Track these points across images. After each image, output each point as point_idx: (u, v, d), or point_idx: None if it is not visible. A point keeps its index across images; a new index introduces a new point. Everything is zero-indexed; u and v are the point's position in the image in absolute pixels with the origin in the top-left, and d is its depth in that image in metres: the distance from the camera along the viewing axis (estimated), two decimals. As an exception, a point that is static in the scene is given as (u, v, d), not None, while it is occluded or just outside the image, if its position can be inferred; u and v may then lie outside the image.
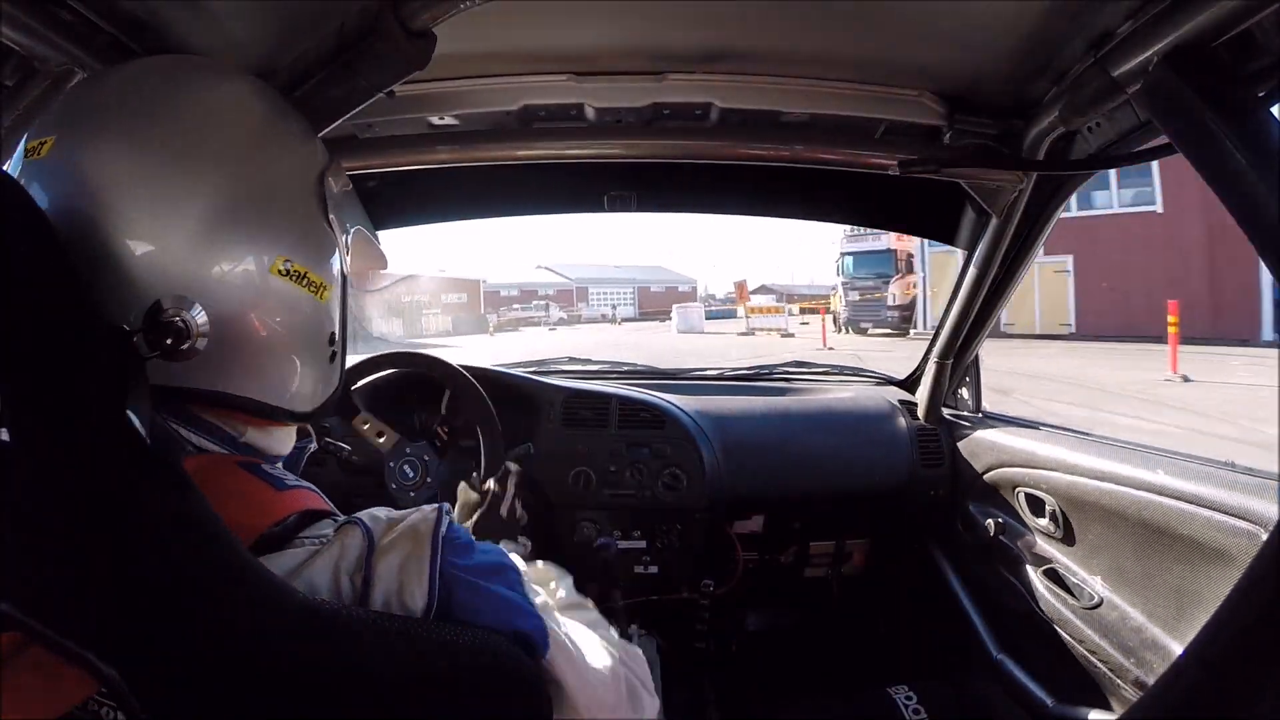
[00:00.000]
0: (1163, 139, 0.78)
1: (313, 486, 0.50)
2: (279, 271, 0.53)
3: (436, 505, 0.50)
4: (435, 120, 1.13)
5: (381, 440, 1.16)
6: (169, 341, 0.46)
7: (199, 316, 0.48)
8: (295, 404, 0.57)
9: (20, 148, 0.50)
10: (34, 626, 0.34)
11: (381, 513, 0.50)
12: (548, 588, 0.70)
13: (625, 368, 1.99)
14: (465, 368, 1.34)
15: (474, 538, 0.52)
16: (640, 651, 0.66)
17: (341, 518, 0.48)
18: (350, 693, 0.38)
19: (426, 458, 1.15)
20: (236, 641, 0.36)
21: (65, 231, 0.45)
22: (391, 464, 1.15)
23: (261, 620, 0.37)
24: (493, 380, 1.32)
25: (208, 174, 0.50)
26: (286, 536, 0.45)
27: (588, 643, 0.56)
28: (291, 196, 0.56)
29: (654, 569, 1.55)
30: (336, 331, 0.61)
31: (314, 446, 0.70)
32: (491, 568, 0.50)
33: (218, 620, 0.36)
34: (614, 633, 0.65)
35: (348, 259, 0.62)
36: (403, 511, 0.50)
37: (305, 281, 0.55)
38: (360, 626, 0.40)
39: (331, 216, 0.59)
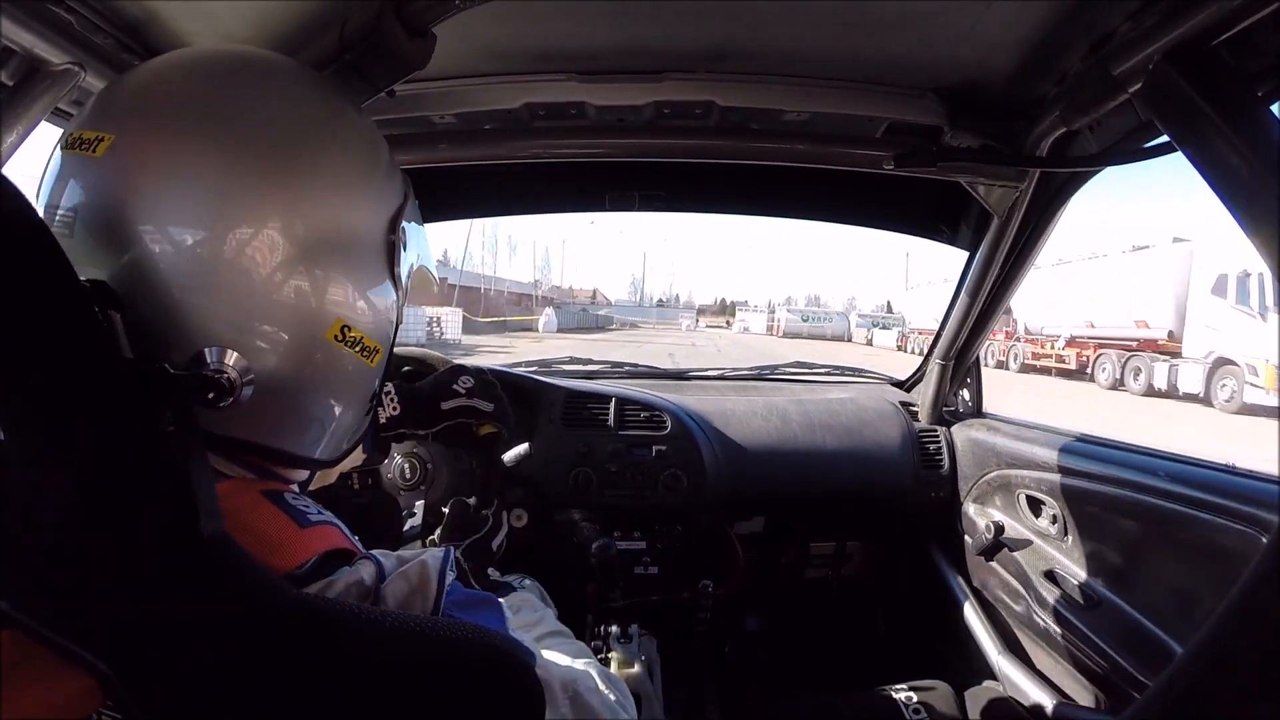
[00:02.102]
0: (1163, 138, 0.78)
1: (335, 520, 0.48)
2: (335, 337, 0.48)
3: (446, 549, 0.49)
4: (436, 119, 1.13)
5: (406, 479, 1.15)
6: (210, 395, 0.42)
7: (237, 366, 0.44)
8: (323, 454, 0.54)
9: (65, 135, 0.45)
10: (33, 625, 0.34)
11: (393, 553, 0.49)
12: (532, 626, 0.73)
13: (626, 368, 1.99)
14: (473, 368, 1.34)
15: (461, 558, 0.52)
16: (624, 684, 0.66)
17: (362, 554, 0.48)
18: (348, 685, 0.38)
19: (429, 465, 1.15)
20: (236, 641, 0.36)
21: (101, 243, 0.42)
22: (395, 458, 1.15)
23: (261, 619, 0.37)
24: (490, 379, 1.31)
25: (283, 213, 0.44)
26: (308, 580, 0.43)
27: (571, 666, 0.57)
28: (362, 248, 0.49)
29: (654, 569, 1.55)
30: (378, 390, 0.57)
31: None
32: (473, 605, 0.50)
33: (217, 619, 0.36)
34: (594, 670, 0.64)
35: (405, 305, 0.57)
36: (412, 552, 0.49)
37: (360, 348, 0.50)
38: (360, 624, 0.40)
39: (399, 270, 0.53)
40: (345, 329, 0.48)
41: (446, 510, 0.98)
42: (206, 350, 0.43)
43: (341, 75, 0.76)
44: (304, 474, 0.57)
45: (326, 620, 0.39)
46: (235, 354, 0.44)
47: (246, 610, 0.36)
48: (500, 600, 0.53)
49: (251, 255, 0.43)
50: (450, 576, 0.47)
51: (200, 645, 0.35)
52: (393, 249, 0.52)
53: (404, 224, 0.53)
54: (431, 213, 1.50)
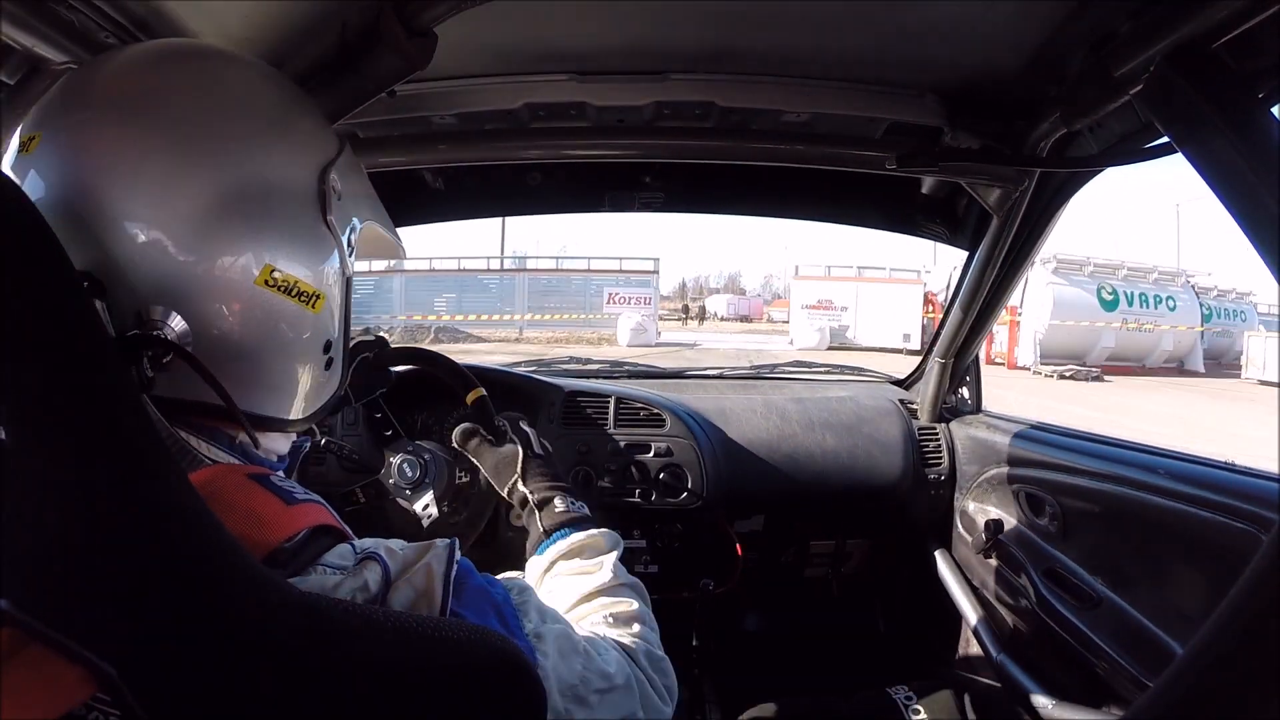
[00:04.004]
0: (1163, 139, 0.78)
1: (321, 500, 0.49)
2: (265, 283, 0.50)
3: (449, 543, 0.49)
4: (436, 119, 1.13)
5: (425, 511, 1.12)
6: (150, 354, 0.45)
7: (177, 326, 0.46)
8: (286, 412, 0.55)
9: (14, 142, 0.49)
10: (32, 624, 0.34)
11: (397, 546, 0.49)
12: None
13: (626, 367, 1.99)
14: (467, 367, 1.34)
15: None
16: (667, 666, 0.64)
17: (360, 543, 0.48)
18: (350, 686, 0.38)
19: (427, 458, 1.15)
20: (236, 640, 0.36)
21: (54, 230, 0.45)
22: (392, 462, 1.15)
23: (261, 618, 0.37)
24: (492, 379, 1.32)
25: (196, 169, 0.47)
26: (298, 553, 0.44)
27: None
28: (286, 197, 0.52)
29: (654, 569, 1.55)
30: (334, 338, 0.58)
31: (308, 445, 0.69)
32: (481, 609, 0.49)
33: (217, 618, 0.36)
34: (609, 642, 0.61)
35: (351, 260, 0.59)
36: (415, 545, 0.49)
37: (295, 293, 0.52)
38: (360, 623, 0.40)
39: (331, 218, 0.55)
40: (274, 272, 0.50)
41: (447, 508, 0.98)
42: (147, 309, 0.46)
43: (342, 75, 0.76)
44: (283, 445, 0.58)
45: (328, 620, 0.39)
46: (173, 313, 0.46)
47: (246, 608, 0.36)
48: (503, 590, 0.52)
49: (171, 217, 0.46)
50: (454, 572, 0.47)
51: (201, 645, 0.35)
52: (324, 198, 0.54)
53: (335, 176, 0.56)
54: (431, 213, 1.50)
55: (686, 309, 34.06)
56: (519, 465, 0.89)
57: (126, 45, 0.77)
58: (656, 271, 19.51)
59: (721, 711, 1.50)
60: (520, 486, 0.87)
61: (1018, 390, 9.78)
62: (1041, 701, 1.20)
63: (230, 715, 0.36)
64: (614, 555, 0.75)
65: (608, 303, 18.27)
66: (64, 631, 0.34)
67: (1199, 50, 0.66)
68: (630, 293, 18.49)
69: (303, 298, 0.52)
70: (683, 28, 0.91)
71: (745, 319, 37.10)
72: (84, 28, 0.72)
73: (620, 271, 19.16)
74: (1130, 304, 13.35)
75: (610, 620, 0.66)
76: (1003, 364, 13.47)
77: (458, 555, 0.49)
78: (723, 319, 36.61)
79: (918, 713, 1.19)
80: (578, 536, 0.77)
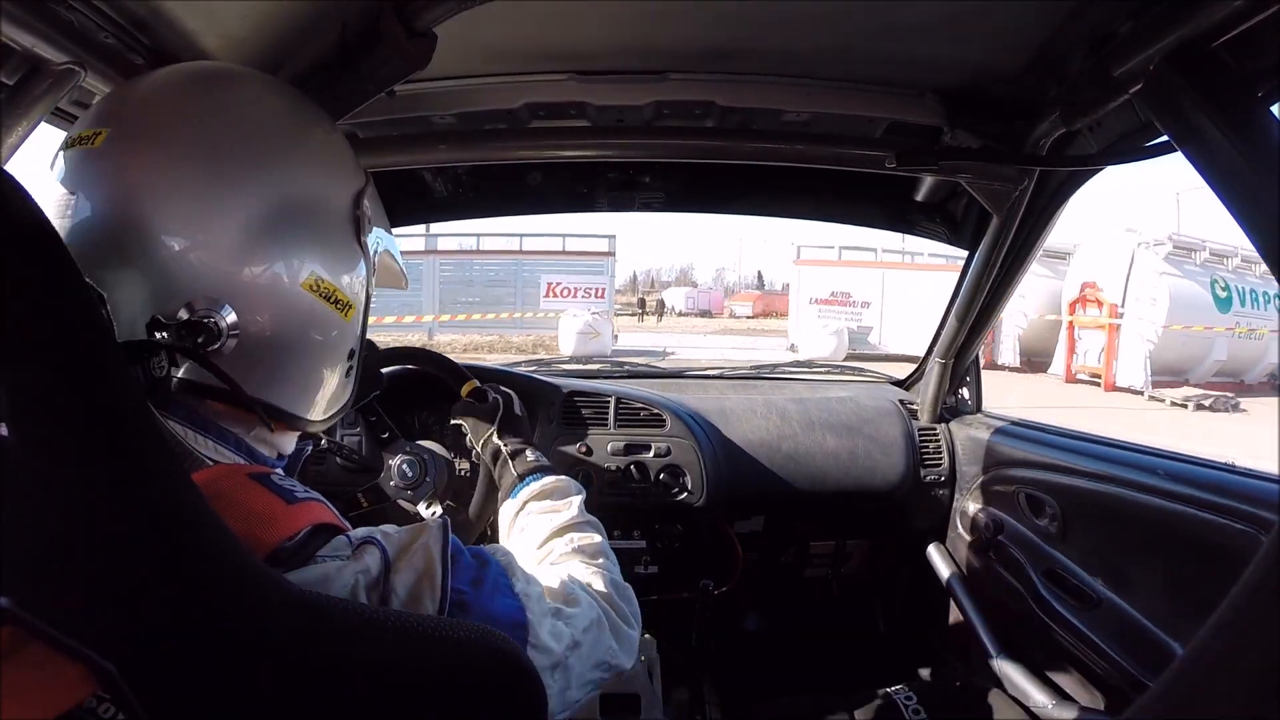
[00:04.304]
0: (1163, 138, 0.78)
1: (321, 498, 0.51)
2: (309, 287, 0.55)
3: (441, 522, 0.52)
4: (436, 119, 1.13)
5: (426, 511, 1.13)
6: (200, 340, 0.48)
7: (229, 318, 0.50)
8: (309, 412, 0.59)
9: (68, 136, 0.52)
10: (33, 622, 0.34)
11: (391, 530, 0.51)
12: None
13: (626, 367, 2.00)
14: (468, 365, 1.34)
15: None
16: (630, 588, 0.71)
17: (354, 533, 0.50)
18: (350, 685, 0.38)
19: (426, 458, 1.15)
20: (236, 638, 0.36)
21: (108, 221, 0.48)
22: (391, 464, 1.15)
23: (261, 617, 0.37)
24: (492, 379, 1.32)
25: (254, 182, 0.52)
26: (299, 552, 0.45)
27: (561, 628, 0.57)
28: (330, 215, 0.58)
29: (654, 569, 1.55)
30: (356, 348, 0.63)
31: (310, 449, 0.71)
32: (477, 577, 0.52)
33: (217, 617, 0.36)
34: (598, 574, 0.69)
35: (374, 280, 0.64)
36: (410, 528, 0.52)
37: (334, 299, 0.57)
38: (361, 622, 0.40)
39: (364, 239, 0.60)
40: (319, 280, 0.55)
41: (450, 505, 0.98)
42: (195, 299, 0.49)
43: (342, 75, 0.76)
44: (290, 444, 0.62)
45: (327, 619, 0.39)
46: (226, 305, 0.50)
47: (247, 607, 0.37)
48: (495, 560, 0.56)
49: (234, 220, 0.50)
50: (450, 550, 0.50)
51: (201, 644, 0.35)
52: (359, 221, 0.60)
53: (366, 203, 0.61)
54: (431, 213, 1.50)
55: (643, 303, 31.01)
56: (496, 421, 0.97)
57: (135, 58, 0.79)
58: (612, 253, 14.59)
59: (721, 711, 1.50)
60: (494, 439, 0.96)
61: (1176, 431, 6.64)
62: (1041, 701, 1.20)
63: (230, 714, 0.36)
64: (579, 497, 0.84)
65: (547, 295, 14.03)
66: (65, 630, 0.34)
67: (1199, 50, 0.66)
68: (577, 282, 14.10)
69: (339, 305, 0.58)
70: (683, 28, 0.91)
71: (706, 314, 34.91)
72: (84, 28, 0.72)
73: (564, 254, 14.45)
74: (1243, 303, 10.10)
75: (579, 551, 0.73)
76: (1090, 381, 10.23)
77: (450, 531, 0.52)
78: (681, 314, 34.27)
79: (918, 713, 1.18)
80: (547, 480, 0.86)
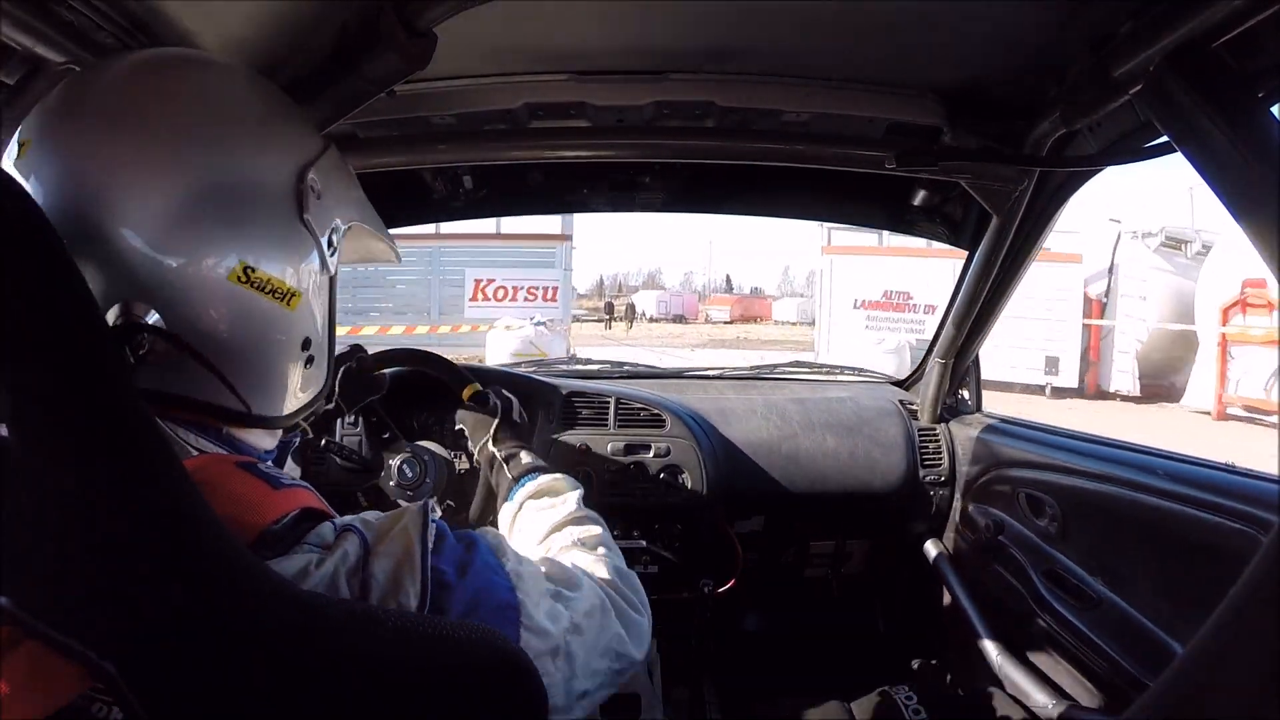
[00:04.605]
0: (1163, 138, 0.78)
1: (308, 485, 0.51)
2: (237, 279, 0.51)
3: (421, 505, 0.51)
4: (435, 120, 1.13)
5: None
6: (125, 347, 0.46)
7: (151, 319, 0.47)
8: (266, 409, 0.56)
9: (10, 149, 0.51)
10: (30, 621, 0.34)
11: (372, 516, 0.51)
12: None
13: (626, 367, 2.00)
14: (467, 367, 1.34)
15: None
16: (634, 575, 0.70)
17: (339, 520, 0.49)
18: (350, 684, 0.38)
19: (427, 458, 1.15)
20: (234, 636, 0.36)
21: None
22: (391, 464, 1.15)
23: (260, 614, 0.37)
24: (493, 379, 1.32)
25: (167, 169, 0.49)
26: (285, 535, 0.45)
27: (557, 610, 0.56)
28: (260, 197, 0.53)
29: (654, 569, 1.55)
30: (315, 336, 0.59)
31: (298, 440, 0.70)
32: (464, 559, 0.51)
33: (218, 614, 0.36)
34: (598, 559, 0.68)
35: (334, 259, 0.60)
36: (390, 513, 0.51)
37: (270, 290, 0.53)
38: (360, 621, 0.40)
39: (308, 216, 0.55)
40: (248, 270, 0.51)
41: (451, 506, 0.99)
42: (127, 302, 0.47)
43: (341, 74, 0.76)
44: (267, 439, 0.60)
45: (325, 618, 0.39)
46: (151, 309, 0.47)
47: (244, 605, 0.37)
48: (483, 541, 0.54)
49: (145, 219, 0.48)
50: (432, 532, 0.49)
51: (200, 643, 0.35)
52: (300, 196, 0.55)
53: (314, 176, 0.57)
54: (431, 213, 1.50)
55: (611, 307, 26.63)
56: (493, 428, 0.98)
57: (114, 55, 0.79)
58: (568, 237, 10.15)
59: (721, 712, 1.50)
60: (489, 446, 0.96)
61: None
62: (1041, 701, 1.20)
63: (229, 711, 0.36)
64: (577, 493, 0.83)
65: (475, 298, 9.88)
66: (64, 629, 0.34)
67: (1199, 50, 0.66)
68: (518, 278, 9.86)
69: (278, 295, 0.53)
70: (683, 28, 0.91)
71: (680, 319, 32.11)
72: (84, 28, 0.72)
73: (499, 238, 9.89)
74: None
75: (579, 543, 0.72)
76: (1248, 417, 7.49)
77: (434, 515, 0.51)
78: (653, 319, 31.09)
79: (918, 713, 1.18)
80: (543, 479, 0.86)
